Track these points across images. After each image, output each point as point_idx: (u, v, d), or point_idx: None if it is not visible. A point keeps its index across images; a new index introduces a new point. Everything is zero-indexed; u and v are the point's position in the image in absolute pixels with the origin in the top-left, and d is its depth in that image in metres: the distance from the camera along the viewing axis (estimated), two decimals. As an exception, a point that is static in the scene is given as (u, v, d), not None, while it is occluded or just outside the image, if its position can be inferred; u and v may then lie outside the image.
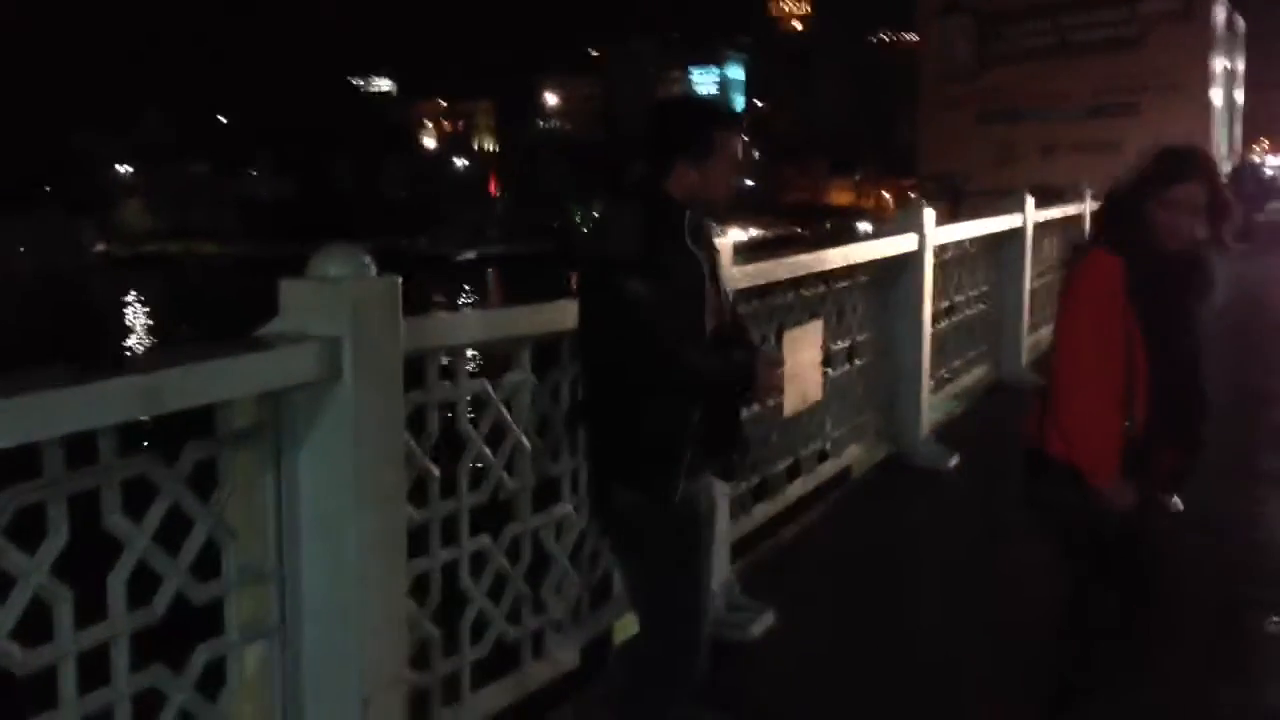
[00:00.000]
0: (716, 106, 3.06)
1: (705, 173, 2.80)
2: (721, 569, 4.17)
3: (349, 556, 2.51)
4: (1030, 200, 8.95)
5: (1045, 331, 10.23)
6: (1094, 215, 3.26)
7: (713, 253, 2.92)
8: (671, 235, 2.75)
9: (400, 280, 2.65)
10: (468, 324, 3.11)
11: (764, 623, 4.16)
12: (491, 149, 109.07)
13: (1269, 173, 36.32)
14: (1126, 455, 2.94)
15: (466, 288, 56.93)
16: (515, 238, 78.90)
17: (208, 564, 2.42)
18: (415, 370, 2.99)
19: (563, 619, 3.63)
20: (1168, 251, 2.93)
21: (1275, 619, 4.27)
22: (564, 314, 3.57)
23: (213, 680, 2.46)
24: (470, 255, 75.06)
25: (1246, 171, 22.08)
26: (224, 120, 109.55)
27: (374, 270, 2.59)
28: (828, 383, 5.62)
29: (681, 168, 2.79)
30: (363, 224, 73.98)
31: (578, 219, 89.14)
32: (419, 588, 3.03)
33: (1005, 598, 4.55)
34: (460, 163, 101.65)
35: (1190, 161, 2.99)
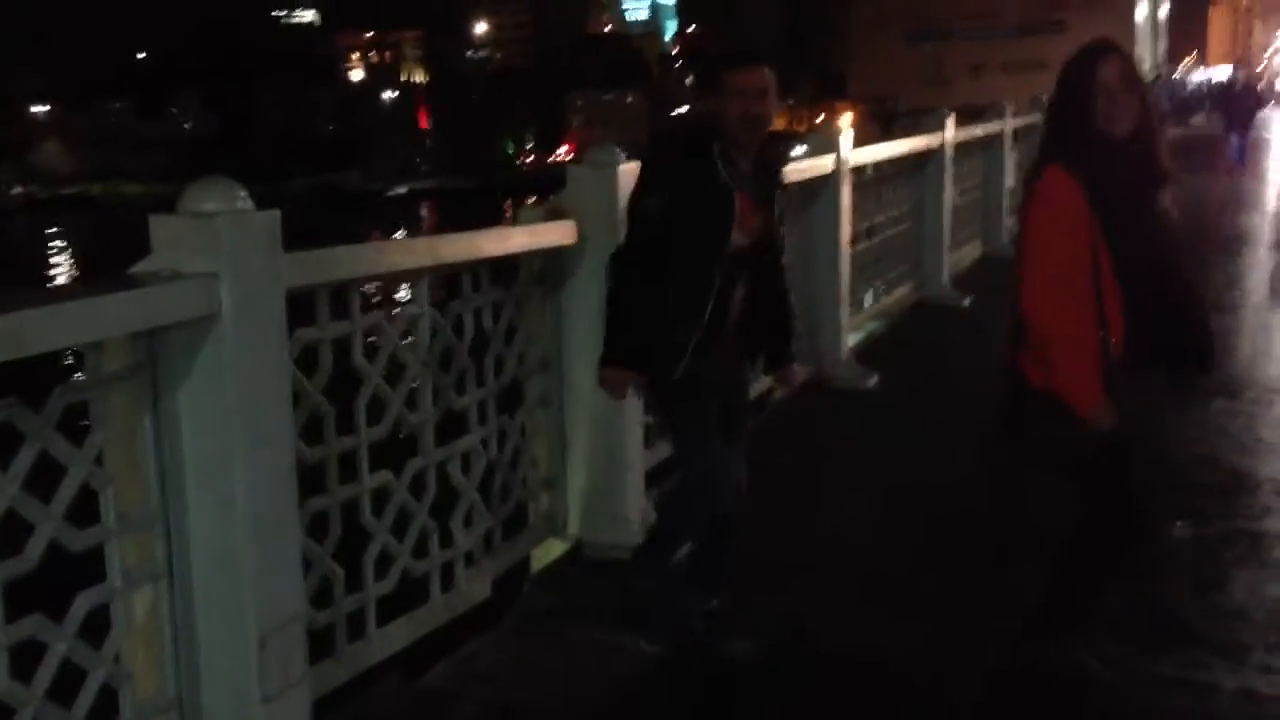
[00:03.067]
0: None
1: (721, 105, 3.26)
2: (636, 497, 4.18)
3: (236, 497, 2.46)
4: (950, 119, 8.95)
5: (968, 250, 10.33)
6: (1043, 131, 3.20)
7: (765, 179, 3.35)
8: (693, 161, 3.26)
9: (278, 214, 2.57)
10: (357, 257, 3.03)
11: (684, 547, 4.18)
12: (420, 81, 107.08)
13: (1192, 86, 36.59)
14: (1107, 373, 2.88)
15: (399, 222, 56.12)
16: (447, 172, 77.73)
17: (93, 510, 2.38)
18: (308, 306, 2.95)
19: (474, 551, 3.62)
20: (1117, 145, 2.88)
21: (1180, 523, 4.38)
22: (464, 246, 3.53)
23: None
24: (402, 190, 73.83)
25: (1163, 88, 21.84)
26: (143, 57, 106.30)
27: (251, 205, 2.52)
28: (745, 307, 5.63)
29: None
30: (291, 161, 72.51)
31: (509, 151, 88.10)
32: (319, 525, 3.00)
33: (922, 512, 4.62)
34: (389, 95, 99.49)
35: (1101, 44, 2.98)
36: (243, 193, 2.51)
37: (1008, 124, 11.15)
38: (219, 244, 2.42)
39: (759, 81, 3.24)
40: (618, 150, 4.10)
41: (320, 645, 2.98)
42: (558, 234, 3.95)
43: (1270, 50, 70.58)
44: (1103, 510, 3.11)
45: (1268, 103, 22.71)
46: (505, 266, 3.84)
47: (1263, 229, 12.96)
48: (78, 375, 2.35)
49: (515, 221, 4.12)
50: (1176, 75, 38.51)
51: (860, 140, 7.03)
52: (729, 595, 3.61)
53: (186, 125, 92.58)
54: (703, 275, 3.23)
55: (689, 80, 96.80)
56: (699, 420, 3.34)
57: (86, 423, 2.35)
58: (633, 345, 3.30)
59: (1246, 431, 5.46)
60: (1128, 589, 3.78)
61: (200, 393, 2.45)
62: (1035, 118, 12.85)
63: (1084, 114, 2.90)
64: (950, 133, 8.95)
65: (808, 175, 6.26)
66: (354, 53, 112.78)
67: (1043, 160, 2.99)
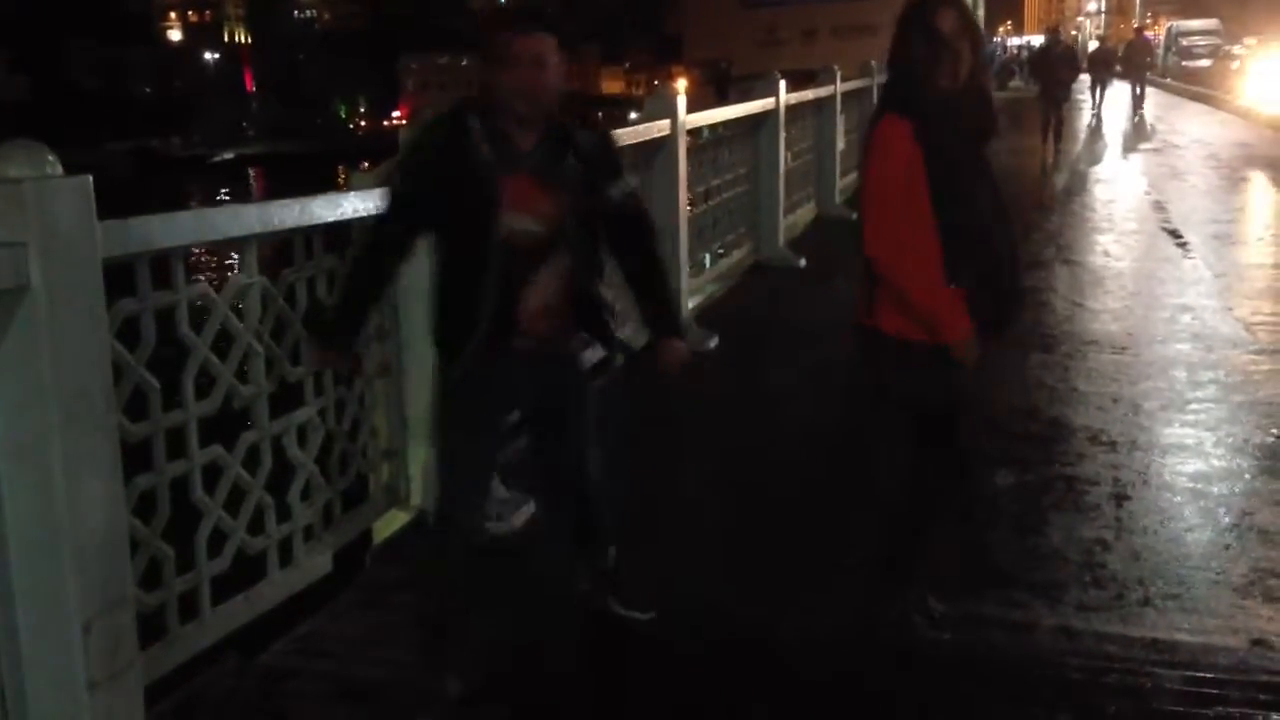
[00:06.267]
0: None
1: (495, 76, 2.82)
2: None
3: (54, 477, 2.35)
4: (782, 83, 9.10)
5: (803, 212, 10.56)
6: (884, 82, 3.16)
7: (561, 154, 2.86)
8: (447, 137, 2.83)
9: (90, 179, 2.45)
10: (179, 225, 2.91)
11: (525, 513, 4.17)
12: (245, 42, 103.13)
13: (1013, 52, 37.81)
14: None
15: (226, 189, 54.10)
16: (277, 136, 75.13)
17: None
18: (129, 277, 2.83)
19: (313, 525, 3.54)
20: (949, 96, 2.89)
21: (1003, 471, 4.59)
22: (294, 212, 3.42)
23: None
24: (229, 155, 71.05)
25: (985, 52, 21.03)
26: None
27: (60, 170, 2.39)
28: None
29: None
30: (107, 124, 69.03)
31: (342, 115, 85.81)
32: (147, 505, 2.89)
33: (766, 468, 4.73)
34: (211, 56, 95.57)
35: None
36: (51, 157, 2.38)
37: (838, 88, 11.40)
38: (26, 211, 2.29)
39: (535, 48, 2.81)
40: (452, 113, 4.04)
41: (153, 628, 2.89)
42: (392, 199, 3.86)
43: (1081, 15, 73.89)
44: (935, 460, 3.18)
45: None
46: (339, 233, 3.75)
47: (1073, 182, 13.63)
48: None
49: (348, 186, 4.02)
50: (996, 39, 39.99)
51: (696, 104, 7.09)
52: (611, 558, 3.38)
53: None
54: (470, 267, 2.82)
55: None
56: (453, 426, 3.00)
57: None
58: (341, 320, 2.99)
59: (1062, 383, 5.75)
60: (952, 534, 3.95)
61: (12, 368, 2.32)
62: (865, 82, 13.21)
63: (917, 64, 2.90)
64: (783, 96, 9.11)
65: (645, 138, 6.29)
66: (171, 11, 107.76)
67: (880, 110, 3.01)
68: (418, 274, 3.92)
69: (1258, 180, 14.16)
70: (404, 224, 2.91)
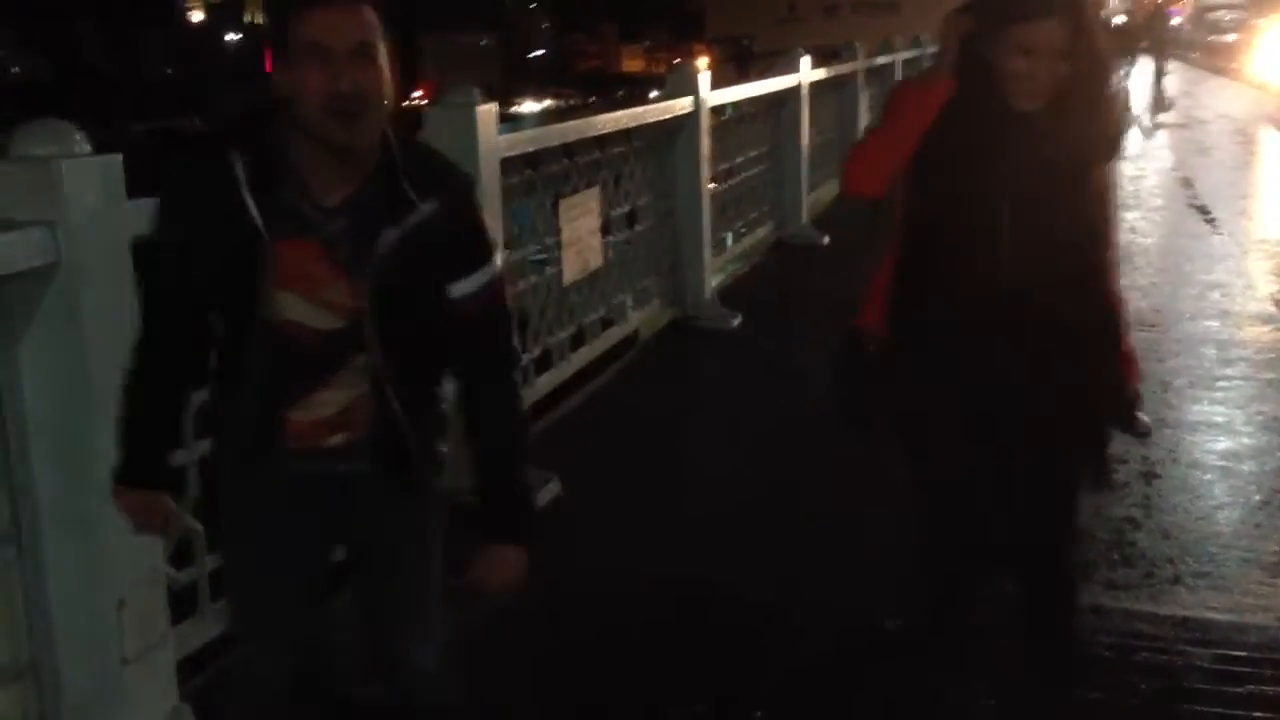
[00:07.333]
0: None
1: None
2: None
3: (85, 454, 2.35)
4: (806, 59, 9.03)
5: (826, 189, 10.50)
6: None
7: (392, 213, 1.84)
8: (206, 179, 1.85)
9: (120, 157, 2.45)
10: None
11: (550, 492, 4.18)
12: (264, 22, 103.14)
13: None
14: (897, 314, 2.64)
15: (248, 170, 54.18)
16: (298, 115, 75.15)
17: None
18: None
19: (340, 503, 3.54)
20: (1017, 114, 2.34)
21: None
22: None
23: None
24: (250, 135, 71.18)
25: None
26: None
27: (88, 148, 2.39)
28: (608, 249, 5.62)
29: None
30: (127, 104, 69.21)
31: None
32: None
33: (788, 448, 4.71)
34: (231, 37, 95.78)
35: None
36: (79, 135, 2.38)
37: (860, 65, 11.31)
38: (55, 190, 2.29)
39: (354, 30, 1.77)
40: (475, 90, 4.03)
41: (180, 605, 2.90)
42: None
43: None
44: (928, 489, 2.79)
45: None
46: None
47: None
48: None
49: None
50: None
51: (717, 81, 7.05)
52: None
53: (15, 69, 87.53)
54: (230, 367, 1.92)
55: (545, 24, 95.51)
56: (244, 573, 2.15)
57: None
58: (153, 452, 2.04)
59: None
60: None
61: (42, 347, 2.33)
62: (888, 59, 13.10)
63: (985, 77, 2.36)
64: (807, 73, 9.04)
65: (667, 116, 6.26)
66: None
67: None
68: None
69: (1286, 155, 14.00)
70: (173, 321, 1.98)
